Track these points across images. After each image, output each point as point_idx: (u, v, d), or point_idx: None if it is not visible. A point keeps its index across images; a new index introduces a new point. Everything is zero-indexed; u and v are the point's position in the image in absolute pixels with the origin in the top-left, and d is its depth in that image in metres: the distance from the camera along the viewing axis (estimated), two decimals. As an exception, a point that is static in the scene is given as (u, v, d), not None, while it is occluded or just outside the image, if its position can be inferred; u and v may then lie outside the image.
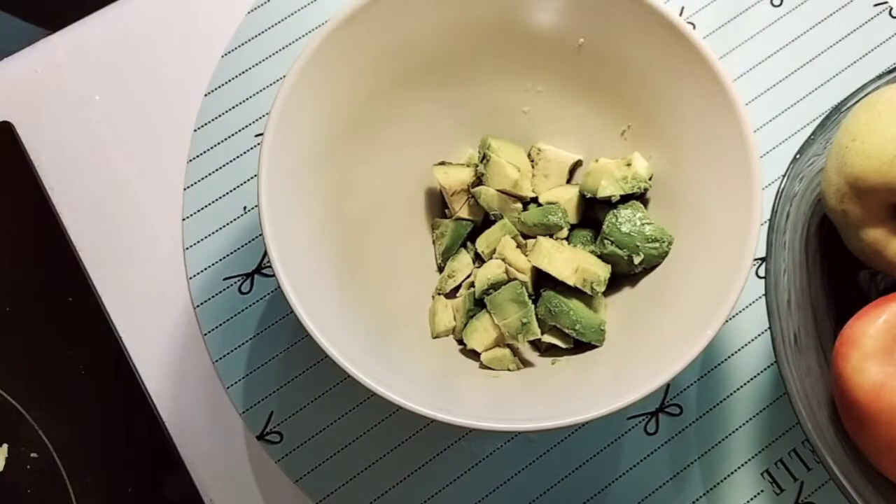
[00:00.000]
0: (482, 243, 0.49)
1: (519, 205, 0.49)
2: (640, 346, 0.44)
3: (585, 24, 0.46)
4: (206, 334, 0.51)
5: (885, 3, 0.56)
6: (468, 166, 0.49)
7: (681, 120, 0.46)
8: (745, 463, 0.49)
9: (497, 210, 0.49)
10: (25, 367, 0.51)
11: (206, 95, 0.56)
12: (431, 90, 0.49)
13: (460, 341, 0.48)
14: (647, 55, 0.46)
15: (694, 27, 0.56)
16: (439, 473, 0.49)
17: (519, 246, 0.48)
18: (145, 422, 0.50)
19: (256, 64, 0.56)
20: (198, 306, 0.52)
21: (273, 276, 0.52)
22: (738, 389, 0.50)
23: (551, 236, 0.48)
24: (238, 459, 0.50)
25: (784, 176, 0.44)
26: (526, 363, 0.47)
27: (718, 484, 0.49)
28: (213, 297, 0.52)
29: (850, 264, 0.47)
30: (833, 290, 0.47)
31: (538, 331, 0.46)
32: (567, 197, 0.49)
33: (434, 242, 0.51)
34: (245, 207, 0.53)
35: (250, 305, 0.52)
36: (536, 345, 0.48)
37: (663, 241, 0.46)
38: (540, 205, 0.49)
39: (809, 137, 0.45)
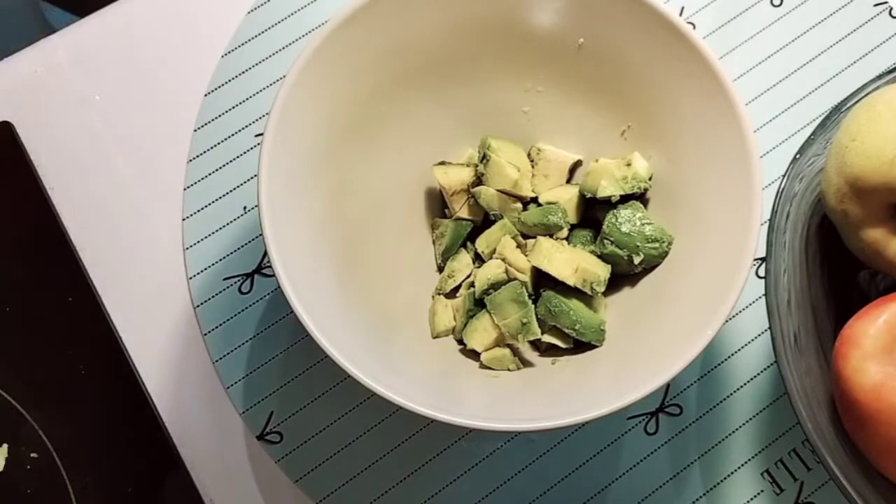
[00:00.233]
0: (482, 243, 0.49)
1: (519, 205, 0.49)
2: (640, 346, 0.44)
3: (585, 24, 0.46)
4: (206, 334, 0.51)
5: (885, 3, 0.56)
6: (468, 166, 0.49)
7: (681, 120, 0.46)
8: (745, 463, 0.49)
9: (497, 210, 0.49)
10: (25, 367, 0.51)
11: (206, 95, 0.56)
12: (431, 90, 0.49)
13: (460, 341, 0.48)
14: (647, 55, 0.46)
15: (694, 27, 0.56)
16: (439, 473, 0.49)
17: (519, 246, 0.48)
18: (145, 422, 0.50)
19: (256, 64, 0.56)
20: (198, 306, 0.52)
21: (273, 276, 0.52)
22: (738, 389, 0.50)
23: (551, 236, 0.48)
24: (238, 459, 0.50)
25: (784, 176, 0.44)
26: (526, 363, 0.47)
27: (718, 484, 0.49)
28: (213, 297, 0.52)
29: (850, 264, 0.47)
30: (833, 290, 0.47)
31: (538, 331, 0.46)
32: (567, 197, 0.49)
33: (434, 242, 0.51)
34: (245, 207, 0.53)
35: (250, 305, 0.52)
36: (536, 345, 0.48)
37: (663, 241, 0.46)
38: (540, 205, 0.49)
39: (809, 137, 0.45)
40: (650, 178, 0.48)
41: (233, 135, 0.55)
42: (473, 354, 0.47)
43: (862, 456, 0.42)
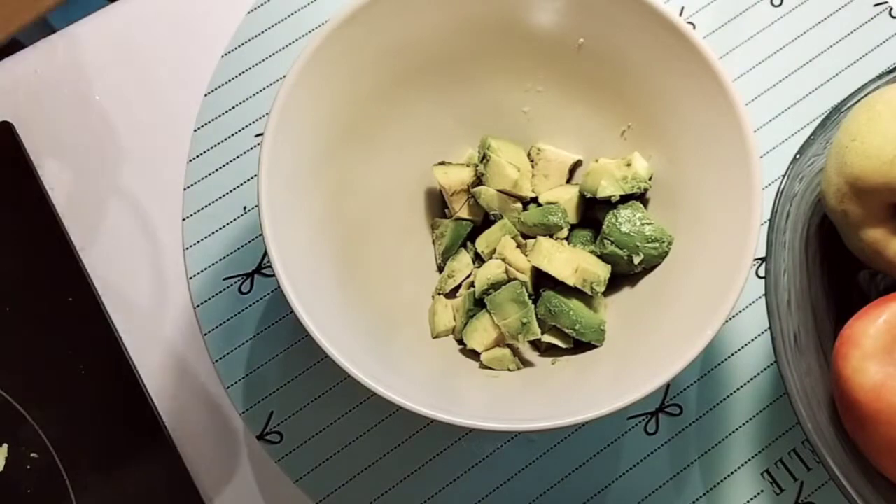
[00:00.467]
0: (482, 243, 0.49)
1: (519, 205, 0.49)
2: (640, 346, 0.43)
3: (585, 24, 0.46)
4: (206, 334, 0.51)
5: (885, 3, 0.56)
6: (468, 166, 0.49)
7: (681, 120, 0.46)
8: (745, 463, 0.49)
9: (497, 210, 0.49)
10: (25, 367, 0.51)
11: (206, 95, 0.56)
12: (431, 90, 0.49)
13: (460, 341, 0.48)
14: (647, 55, 0.46)
15: (694, 27, 0.56)
16: (439, 473, 0.49)
17: (519, 246, 0.48)
18: (145, 422, 0.50)
19: (256, 64, 0.56)
20: (198, 306, 0.52)
21: (273, 276, 0.52)
22: (738, 389, 0.50)
23: (551, 236, 0.48)
24: (238, 459, 0.50)
25: (784, 176, 0.44)
26: (526, 363, 0.47)
27: (718, 484, 0.49)
28: (213, 297, 0.52)
29: (850, 264, 0.47)
30: (833, 290, 0.47)
31: (538, 331, 0.46)
32: (567, 197, 0.49)
33: (434, 242, 0.51)
34: (245, 207, 0.53)
35: (250, 305, 0.52)
36: (536, 345, 0.48)
37: (663, 241, 0.46)
38: (540, 205, 0.49)
39: (809, 137, 0.45)
40: (650, 178, 0.48)
41: (233, 135, 0.55)
42: (473, 354, 0.47)
43: (862, 456, 0.42)
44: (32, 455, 0.49)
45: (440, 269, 0.50)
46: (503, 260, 0.47)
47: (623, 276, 0.47)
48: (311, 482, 0.49)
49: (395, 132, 0.49)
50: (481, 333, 0.46)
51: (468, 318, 0.47)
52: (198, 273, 0.52)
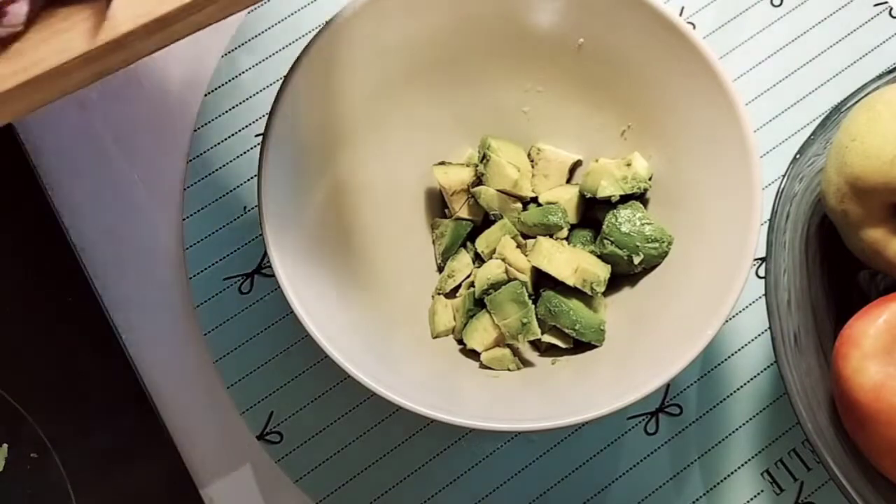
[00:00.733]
0: (482, 243, 0.49)
1: (519, 205, 0.49)
2: (640, 346, 0.44)
3: (585, 24, 0.46)
4: (206, 334, 0.51)
5: (885, 3, 0.56)
6: (468, 166, 0.49)
7: (681, 120, 0.46)
8: (745, 463, 0.49)
9: (497, 210, 0.49)
10: (25, 367, 0.51)
11: (206, 95, 0.56)
12: (431, 90, 0.49)
13: (460, 341, 0.48)
14: (647, 55, 0.46)
15: (694, 27, 0.56)
16: (439, 473, 0.49)
17: (519, 246, 0.48)
18: (145, 422, 0.50)
19: (256, 64, 0.56)
20: (198, 306, 0.52)
21: (273, 276, 0.52)
22: (738, 389, 0.50)
23: (551, 236, 0.48)
24: (238, 459, 0.50)
25: (784, 176, 0.44)
26: (526, 363, 0.47)
27: (718, 484, 0.49)
28: (213, 297, 0.52)
29: (850, 264, 0.47)
30: (833, 290, 0.47)
31: (538, 331, 0.46)
32: (567, 197, 0.49)
33: (434, 242, 0.51)
34: (245, 207, 0.53)
35: (250, 305, 0.52)
36: (536, 345, 0.48)
37: (663, 241, 0.46)
38: (540, 205, 0.49)
39: (809, 137, 0.45)
40: (650, 178, 0.48)
41: (233, 135, 0.55)
42: (473, 354, 0.47)
43: (862, 456, 0.42)
44: (32, 455, 0.49)
45: (440, 269, 0.50)
46: (503, 260, 0.47)
47: (623, 276, 0.47)
48: (311, 482, 0.49)
49: (395, 132, 0.49)
50: (481, 333, 0.46)
51: (468, 318, 0.47)
52: (198, 273, 0.52)
